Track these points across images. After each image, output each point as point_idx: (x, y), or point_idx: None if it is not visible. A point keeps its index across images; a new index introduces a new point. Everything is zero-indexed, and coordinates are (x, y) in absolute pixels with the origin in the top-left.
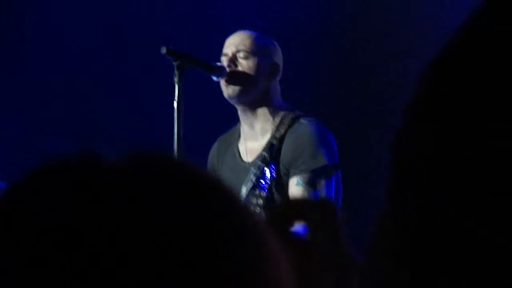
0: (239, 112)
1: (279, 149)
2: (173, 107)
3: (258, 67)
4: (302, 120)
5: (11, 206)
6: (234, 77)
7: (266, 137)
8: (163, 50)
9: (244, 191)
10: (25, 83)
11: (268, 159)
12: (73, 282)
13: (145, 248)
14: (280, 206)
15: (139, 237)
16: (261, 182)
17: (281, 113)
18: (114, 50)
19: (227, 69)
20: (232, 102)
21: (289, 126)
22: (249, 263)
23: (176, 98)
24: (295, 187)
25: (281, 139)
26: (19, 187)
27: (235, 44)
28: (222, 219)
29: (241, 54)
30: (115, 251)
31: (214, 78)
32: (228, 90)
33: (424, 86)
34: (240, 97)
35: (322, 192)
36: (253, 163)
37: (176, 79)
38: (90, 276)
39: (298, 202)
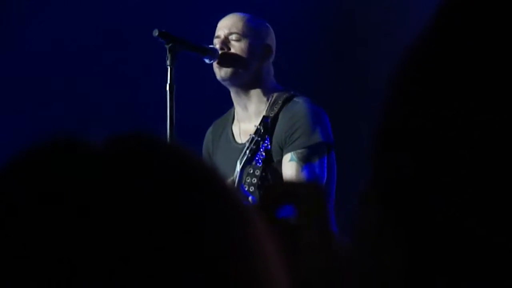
0: (232, 94)
1: (273, 127)
2: (166, 90)
3: (251, 49)
4: (296, 99)
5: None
6: (227, 59)
7: (260, 118)
8: (155, 32)
9: (238, 167)
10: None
11: (263, 131)
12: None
13: (138, 242)
14: (270, 189)
15: (130, 230)
16: (257, 155)
17: (275, 94)
18: (105, 35)
19: (219, 51)
20: (225, 84)
21: (283, 105)
22: (240, 253)
23: (168, 81)
24: (289, 163)
25: (275, 118)
26: (4, 175)
27: (228, 26)
28: (213, 209)
29: (233, 37)
30: (104, 247)
31: (207, 61)
32: (220, 73)
33: (406, 79)
34: (232, 79)
35: (315, 169)
36: (247, 141)
37: (168, 62)
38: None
39: (287, 185)
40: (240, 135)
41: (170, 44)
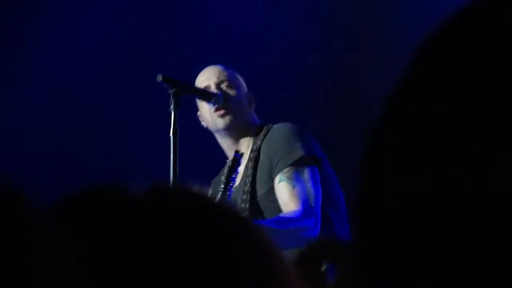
0: (224, 143)
1: (257, 158)
2: (169, 136)
3: (242, 96)
4: (274, 126)
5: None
6: (230, 104)
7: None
8: (159, 77)
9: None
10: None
11: (232, 165)
12: None
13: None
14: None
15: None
16: (228, 186)
17: (257, 129)
18: (111, 79)
19: (223, 96)
20: (224, 132)
21: (264, 136)
22: None
23: (172, 126)
24: (279, 184)
25: (258, 150)
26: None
27: (216, 75)
28: (252, 261)
29: (224, 85)
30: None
31: (211, 106)
32: (225, 120)
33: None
34: (234, 125)
35: (308, 184)
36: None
37: (172, 107)
38: None
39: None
40: None
41: (174, 89)
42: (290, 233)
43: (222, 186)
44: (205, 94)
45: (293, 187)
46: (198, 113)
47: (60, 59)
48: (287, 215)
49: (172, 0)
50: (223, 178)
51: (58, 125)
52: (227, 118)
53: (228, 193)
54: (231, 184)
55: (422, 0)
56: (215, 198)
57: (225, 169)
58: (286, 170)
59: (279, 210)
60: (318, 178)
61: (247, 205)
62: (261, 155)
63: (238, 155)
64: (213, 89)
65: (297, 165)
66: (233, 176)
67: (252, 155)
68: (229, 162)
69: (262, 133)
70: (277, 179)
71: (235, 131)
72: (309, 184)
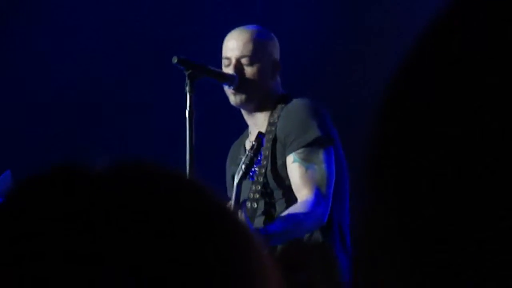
0: (244, 114)
1: (274, 131)
2: (185, 117)
3: (263, 71)
4: (292, 101)
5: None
6: (243, 85)
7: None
8: (174, 59)
9: (236, 181)
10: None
11: (256, 147)
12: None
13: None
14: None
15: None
16: (251, 171)
17: (276, 100)
18: (124, 59)
19: (238, 77)
20: (239, 107)
21: (282, 108)
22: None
23: (188, 107)
24: (292, 165)
25: (276, 124)
26: (9, 202)
27: (239, 48)
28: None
29: (245, 60)
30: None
31: (226, 87)
32: (236, 99)
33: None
34: (248, 103)
35: (321, 166)
36: (244, 157)
37: (187, 89)
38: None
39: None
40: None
41: (189, 71)
42: (301, 228)
43: (244, 167)
44: (221, 76)
45: (306, 169)
46: None
47: (73, 32)
48: (298, 210)
49: None
50: (243, 158)
51: (72, 108)
52: (238, 98)
53: (251, 174)
54: (254, 167)
55: None
56: (235, 170)
57: (246, 145)
58: (300, 151)
59: (290, 185)
60: (333, 159)
61: (261, 178)
62: (278, 130)
63: (261, 136)
64: (232, 65)
65: (311, 146)
66: (259, 158)
67: (269, 128)
68: (253, 143)
69: (280, 106)
70: (290, 158)
71: (250, 106)
72: (322, 166)
